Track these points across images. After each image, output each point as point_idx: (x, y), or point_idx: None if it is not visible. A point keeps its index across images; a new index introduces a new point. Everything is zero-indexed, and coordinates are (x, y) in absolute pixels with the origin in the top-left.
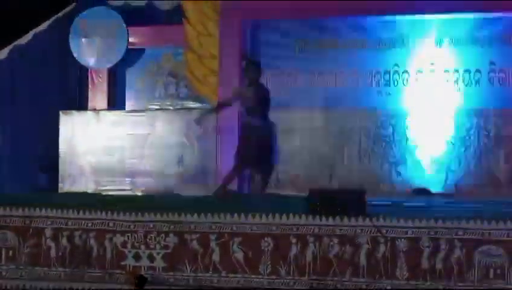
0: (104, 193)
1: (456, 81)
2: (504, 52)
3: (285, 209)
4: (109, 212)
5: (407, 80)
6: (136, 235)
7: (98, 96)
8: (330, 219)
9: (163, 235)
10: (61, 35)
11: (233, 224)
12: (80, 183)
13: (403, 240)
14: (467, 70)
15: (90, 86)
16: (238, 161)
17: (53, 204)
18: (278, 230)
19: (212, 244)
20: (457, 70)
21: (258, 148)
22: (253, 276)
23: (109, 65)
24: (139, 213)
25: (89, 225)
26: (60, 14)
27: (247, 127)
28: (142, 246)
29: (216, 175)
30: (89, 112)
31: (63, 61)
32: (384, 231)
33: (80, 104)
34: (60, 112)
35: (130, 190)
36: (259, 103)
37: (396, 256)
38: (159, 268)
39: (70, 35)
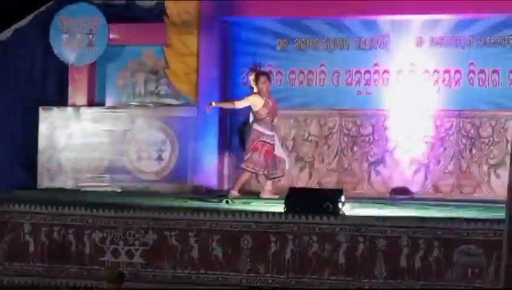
0: (83, 190)
1: (436, 82)
2: (484, 53)
3: (264, 207)
4: (88, 208)
5: (387, 80)
6: (115, 232)
7: (78, 92)
8: (309, 218)
9: (142, 231)
10: (42, 31)
11: (212, 221)
12: (59, 179)
13: (381, 239)
14: (447, 71)
15: (70, 82)
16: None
17: (32, 199)
18: (257, 228)
19: (191, 241)
20: (437, 71)
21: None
22: (232, 273)
23: (89, 61)
24: (118, 210)
25: (68, 220)
26: (40, 10)
27: (257, 134)
28: (121, 243)
29: (195, 172)
30: (68, 108)
31: (43, 57)
32: (363, 230)
33: (60, 100)
34: (40, 108)
35: (109, 186)
36: (271, 113)
37: (375, 255)
38: (138, 264)
39: (50, 31)
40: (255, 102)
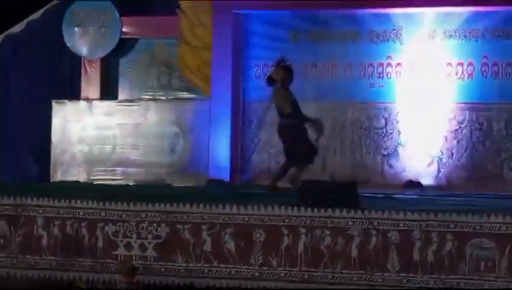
0: (96, 183)
1: (449, 75)
2: (497, 46)
3: (277, 200)
4: (101, 201)
5: (400, 73)
6: (127, 225)
7: (90, 86)
8: (322, 211)
9: (155, 225)
10: (55, 25)
11: (225, 215)
12: (71, 172)
13: (394, 232)
14: (460, 64)
15: (83, 75)
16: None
17: (45, 193)
18: (269, 221)
19: (204, 234)
20: (450, 64)
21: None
22: (244, 267)
23: (102, 55)
24: (131, 203)
25: (81, 214)
26: (53, 3)
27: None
28: (134, 236)
29: (208, 165)
30: (81, 102)
31: (56, 51)
32: (376, 223)
33: (73, 93)
34: (53, 102)
35: (122, 179)
36: (293, 105)
37: (387, 248)
38: (150, 258)
39: (63, 25)
40: None
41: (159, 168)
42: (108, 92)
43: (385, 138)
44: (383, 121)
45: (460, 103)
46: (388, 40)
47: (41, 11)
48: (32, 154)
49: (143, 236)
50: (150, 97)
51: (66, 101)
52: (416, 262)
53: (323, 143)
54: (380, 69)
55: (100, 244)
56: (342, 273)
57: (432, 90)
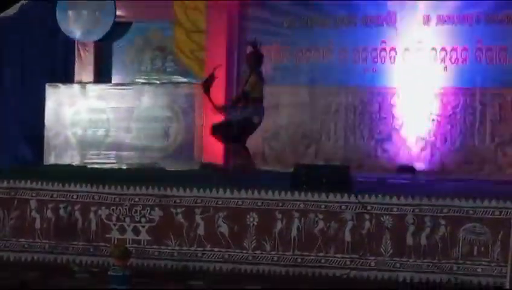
0: (89, 166)
1: (443, 59)
2: (491, 30)
3: (270, 184)
4: (94, 185)
5: (394, 58)
6: (121, 208)
7: (84, 69)
8: (315, 195)
9: (148, 208)
10: (48, 8)
11: (218, 198)
12: (65, 156)
13: (387, 216)
14: (454, 49)
15: (76, 58)
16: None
17: (38, 176)
18: (263, 205)
19: (197, 218)
20: (444, 49)
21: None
22: (237, 251)
23: (96, 38)
24: (125, 186)
25: (74, 197)
26: None
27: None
28: (127, 219)
29: (201, 150)
30: (75, 85)
31: (49, 34)
32: (369, 208)
33: (66, 76)
34: (46, 85)
35: (116, 163)
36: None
37: (381, 232)
38: (144, 241)
39: (57, 8)
40: None
41: (152, 152)
42: (102, 75)
43: (379, 123)
44: (376, 106)
45: (454, 88)
46: (382, 24)
47: None
48: (26, 138)
49: (136, 220)
50: (144, 81)
51: (59, 84)
52: (410, 246)
53: (318, 127)
54: (374, 54)
55: (93, 227)
56: (335, 257)
57: (425, 75)
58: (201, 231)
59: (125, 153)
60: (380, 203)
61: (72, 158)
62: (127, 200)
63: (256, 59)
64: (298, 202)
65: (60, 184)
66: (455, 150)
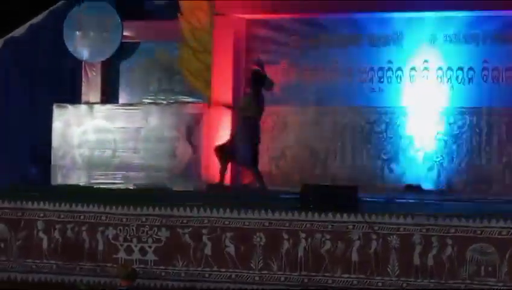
0: (96, 187)
1: (450, 79)
2: (497, 51)
3: (277, 204)
4: (101, 205)
5: (400, 77)
6: (128, 229)
7: (91, 89)
8: (322, 215)
9: (155, 228)
10: (56, 28)
11: (225, 219)
12: (72, 176)
13: (394, 236)
14: (460, 68)
15: (83, 79)
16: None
17: (45, 197)
18: (270, 225)
19: (204, 238)
20: (450, 68)
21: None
22: (244, 271)
23: (103, 59)
24: (132, 207)
25: (81, 217)
26: (54, 7)
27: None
28: (134, 240)
29: (208, 169)
30: (82, 106)
31: (57, 54)
32: (376, 228)
33: (74, 97)
34: (54, 105)
35: (123, 183)
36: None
37: (388, 253)
38: (150, 262)
39: (64, 28)
40: None
41: (159, 172)
42: (109, 96)
43: (386, 142)
44: (383, 126)
45: (461, 108)
46: (389, 44)
47: (43, 14)
48: (33, 158)
49: (143, 240)
50: (151, 101)
51: (67, 105)
52: (417, 266)
53: (325, 146)
54: (381, 74)
55: (100, 248)
56: (342, 277)
57: (432, 95)
58: (208, 251)
59: (132, 174)
60: (387, 223)
61: (79, 178)
62: (134, 220)
63: (256, 79)
64: (305, 222)
65: (67, 205)
66: (462, 170)
